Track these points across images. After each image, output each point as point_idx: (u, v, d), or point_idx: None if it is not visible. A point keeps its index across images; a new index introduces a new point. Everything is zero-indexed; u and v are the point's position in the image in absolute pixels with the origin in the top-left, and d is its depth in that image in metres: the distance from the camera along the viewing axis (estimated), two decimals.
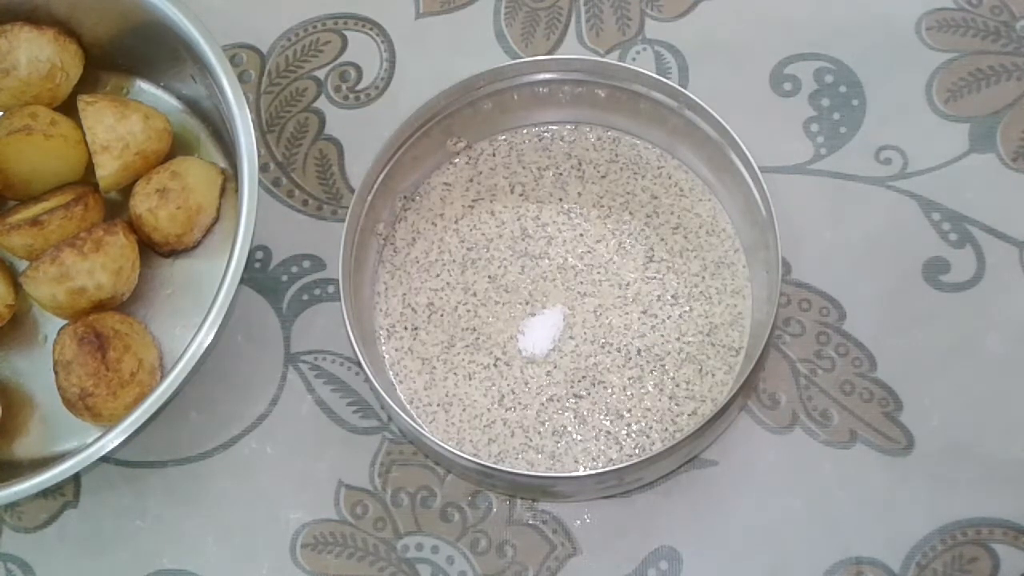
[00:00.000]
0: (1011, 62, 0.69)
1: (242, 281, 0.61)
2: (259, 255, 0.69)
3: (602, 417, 0.62)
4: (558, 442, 0.62)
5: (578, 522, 0.63)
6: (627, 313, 0.64)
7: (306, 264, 0.69)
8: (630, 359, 0.63)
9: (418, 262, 0.66)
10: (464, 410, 0.63)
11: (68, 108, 0.68)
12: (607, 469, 0.57)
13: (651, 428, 0.62)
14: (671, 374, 0.63)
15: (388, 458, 0.65)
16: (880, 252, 0.66)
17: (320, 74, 0.73)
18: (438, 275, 0.66)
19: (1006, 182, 0.67)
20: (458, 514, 0.63)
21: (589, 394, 0.63)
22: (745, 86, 0.70)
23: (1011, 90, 0.69)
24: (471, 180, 0.68)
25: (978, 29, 0.70)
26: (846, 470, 0.62)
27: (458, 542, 0.63)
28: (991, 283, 0.65)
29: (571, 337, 0.64)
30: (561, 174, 0.67)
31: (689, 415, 0.62)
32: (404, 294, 0.66)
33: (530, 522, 0.63)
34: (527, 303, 0.65)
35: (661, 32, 0.72)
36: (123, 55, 0.71)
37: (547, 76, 0.65)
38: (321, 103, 0.72)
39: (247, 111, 0.63)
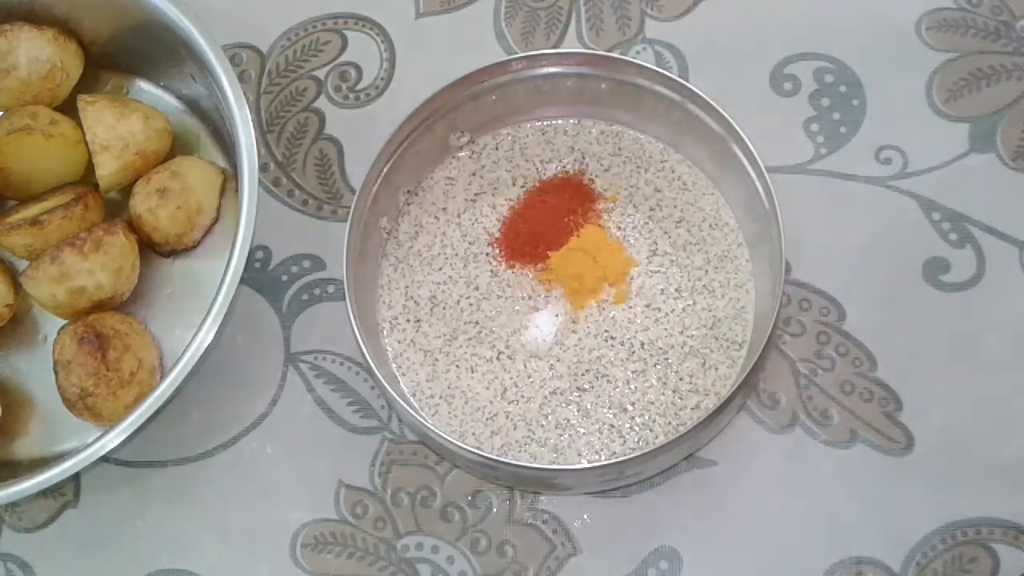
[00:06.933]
0: (1011, 62, 0.69)
1: (242, 281, 0.61)
2: (259, 255, 0.69)
3: (605, 410, 0.62)
4: (561, 435, 0.62)
5: (578, 522, 0.63)
6: (631, 307, 0.64)
7: (306, 264, 0.69)
8: (633, 353, 0.63)
9: (421, 255, 0.66)
10: (467, 403, 0.63)
11: (68, 108, 0.68)
12: (609, 462, 0.57)
13: (654, 421, 0.62)
14: (674, 368, 0.63)
15: (388, 458, 0.65)
16: (880, 252, 0.66)
17: (320, 74, 0.73)
18: (440, 268, 0.66)
19: (1006, 182, 0.67)
20: (458, 514, 0.63)
21: (592, 387, 0.63)
22: (745, 86, 0.70)
23: (1011, 90, 0.69)
24: (474, 174, 0.68)
25: (978, 29, 0.70)
26: (846, 470, 0.62)
27: (458, 542, 0.63)
28: (991, 283, 0.65)
29: (574, 331, 0.64)
30: (565, 168, 0.67)
31: (692, 408, 0.62)
32: (407, 287, 0.66)
33: (530, 522, 0.63)
34: (530, 297, 0.65)
35: (661, 32, 0.72)
36: (123, 55, 0.71)
37: (550, 70, 0.65)
38: (321, 103, 0.72)
39: (247, 111, 0.63)
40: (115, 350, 0.63)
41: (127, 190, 0.68)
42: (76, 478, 0.66)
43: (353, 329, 0.60)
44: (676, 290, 0.64)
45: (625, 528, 0.62)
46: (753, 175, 0.62)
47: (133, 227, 0.67)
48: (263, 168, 0.70)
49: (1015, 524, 0.61)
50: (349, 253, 0.62)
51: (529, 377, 0.63)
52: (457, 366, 0.64)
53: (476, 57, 0.66)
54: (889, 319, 0.65)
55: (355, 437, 0.65)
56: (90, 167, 0.67)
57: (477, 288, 0.65)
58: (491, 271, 0.66)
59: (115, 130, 0.66)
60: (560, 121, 0.68)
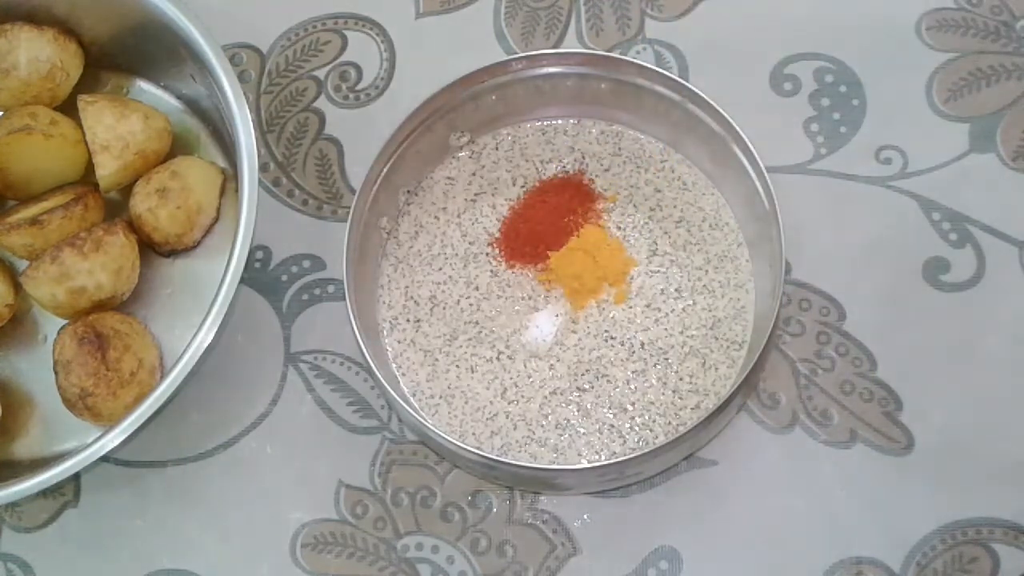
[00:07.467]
0: (1011, 62, 0.69)
1: (242, 281, 0.61)
2: (259, 255, 0.69)
3: (605, 410, 0.62)
4: (561, 435, 0.62)
5: (578, 522, 0.63)
6: (631, 307, 0.64)
7: (306, 264, 0.69)
8: (633, 353, 0.63)
9: (421, 255, 0.67)
10: (467, 403, 0.63)
11: (68, 108, 0.68)
12: (609, 462, 0.57)
13: (654, 422, 0.62)
14: (674, 368, 0.63)
15: (388, 458, 0.65)
16: (880, 252, 0.66)
17: (320, 74, 0.73)
18: (440, 268, 0.66)
19: (1006, 182, 0.67)
20: (458, 514, 0.63)
21: (592, 387, 0.63)
22: (745, 86, 0.70)
23: (1011, 90, 0.69)
24: (474, 174, 0.68)
25: (978, 29, 0.70)
26: (846, 470, 0.62)
27: (458, 542, 0.63)
28: (991, 283, 0.65)
29: (574, 331, 0.64)
30: (565, 168, 0.67)
31: (692, 408, 0.62)
32: (407, 287, 0.66)
33: (530, 522, 0.63)
34: (530, 297, 0.65)
35: (661, 32, 0.72)
36: (123, 55, 0.71)
37: (550, 70, 0.65)
38: (321, 103, 0.72)
39: (247, 111, 0.63)
40: (115, 350, 0.63)
41: (127, 190, 0.68)
42: (76, 478, 0.66)
43: (353, 329, 0.60)
44: (676, 290, 0.64)
45: (625, 528, 0.62)
46: (753, 175, 0.62)
47: (133, 227, 0.67)
48: (263, 168, 0.71)
49: (1015, 524, 0.61)
50: (349, 253, 0.62)
51: (529, 377, 0.63)
52: (457, 366, 0.64)
53: (476, 57, 0.66)
54: (889, 319, 0.65)
55: (355, 437, 0.65)
56: (90, 167, 0.67)
57: (477, 288, 0.65)
58: (491, 271, 0.66)
59: (115, 130, 0.66)
60: (560, 121, 0.68)
